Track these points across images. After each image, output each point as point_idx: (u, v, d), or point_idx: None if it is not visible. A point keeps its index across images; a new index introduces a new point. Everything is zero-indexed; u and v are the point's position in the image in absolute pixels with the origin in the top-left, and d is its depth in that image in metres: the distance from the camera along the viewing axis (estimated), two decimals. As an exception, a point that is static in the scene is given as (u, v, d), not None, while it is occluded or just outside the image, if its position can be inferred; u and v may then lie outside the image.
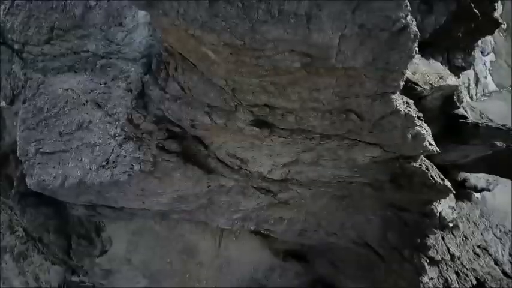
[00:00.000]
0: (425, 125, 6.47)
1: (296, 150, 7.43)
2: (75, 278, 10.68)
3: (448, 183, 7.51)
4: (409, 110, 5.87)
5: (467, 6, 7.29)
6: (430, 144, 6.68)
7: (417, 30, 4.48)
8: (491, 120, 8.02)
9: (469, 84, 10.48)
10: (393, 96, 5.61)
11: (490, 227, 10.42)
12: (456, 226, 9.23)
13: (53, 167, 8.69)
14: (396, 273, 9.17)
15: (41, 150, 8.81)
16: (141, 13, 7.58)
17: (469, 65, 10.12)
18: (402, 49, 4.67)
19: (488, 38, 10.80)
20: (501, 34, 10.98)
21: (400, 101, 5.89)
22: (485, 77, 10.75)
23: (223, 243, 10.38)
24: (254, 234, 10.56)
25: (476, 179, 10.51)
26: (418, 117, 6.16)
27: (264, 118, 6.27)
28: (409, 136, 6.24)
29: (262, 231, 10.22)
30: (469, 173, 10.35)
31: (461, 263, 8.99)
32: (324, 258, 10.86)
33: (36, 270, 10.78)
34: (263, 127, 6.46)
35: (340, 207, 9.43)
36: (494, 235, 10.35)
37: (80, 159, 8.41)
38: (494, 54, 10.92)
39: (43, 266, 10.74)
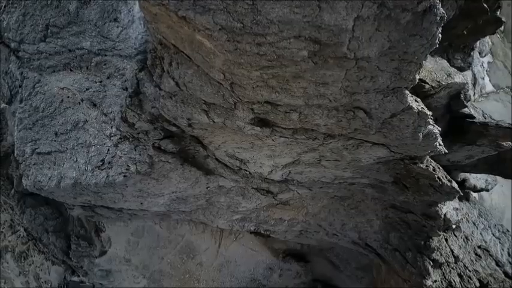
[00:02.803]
0: (436, 124, 5.49)
1: (298, 150, 6.43)
2: (75, 278, 9.66)
3: (455, 184, 6.52)
4: (422, 108, 4.88)
5: (477, 1, 6.32)
6: (440, 144, 5.70)
7: (444, 12, 3.49)
8: (498, 120, 7.04)
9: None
10: (407, 92, 4.62)
11: (488, 226, 9.44)
12: (458, 227, 8.25)
13: (49, 168, 7.67)
14: (398, 275, 8.17)
15: (37, 150, 7.80)
16: (137, 8, 6.58)
17: (468, 65, 9.16)
18: (425, 35, 3.67)
19: (486, 39, 9.87)
20: (498, 35, 10.04)
21: (412, 98, 4.91)
22: (483, 78, 9.80)
23: (223, 243, 9.38)
24: (254, 234, 9.56)
25: (476, 179, 9.54)
26: (430, 116, 5.17)
27: (265, 116, 5.26)
28: (420, 135, 5.25)
29: (262, 232, 9.21)
30: (468, 173, 9.38)
31: (464, 265, 8.00)
32: (324, 258, 9.86)
33: (36, 270, 9.76)
34: (264, 126, 5.46)
35: (341, 208, 8.42)
36: (493, 235, 9.36)
37: (75, 159, 7.39)
38: (492, 55, 9.98)
39: (43, 265, 9.72)
